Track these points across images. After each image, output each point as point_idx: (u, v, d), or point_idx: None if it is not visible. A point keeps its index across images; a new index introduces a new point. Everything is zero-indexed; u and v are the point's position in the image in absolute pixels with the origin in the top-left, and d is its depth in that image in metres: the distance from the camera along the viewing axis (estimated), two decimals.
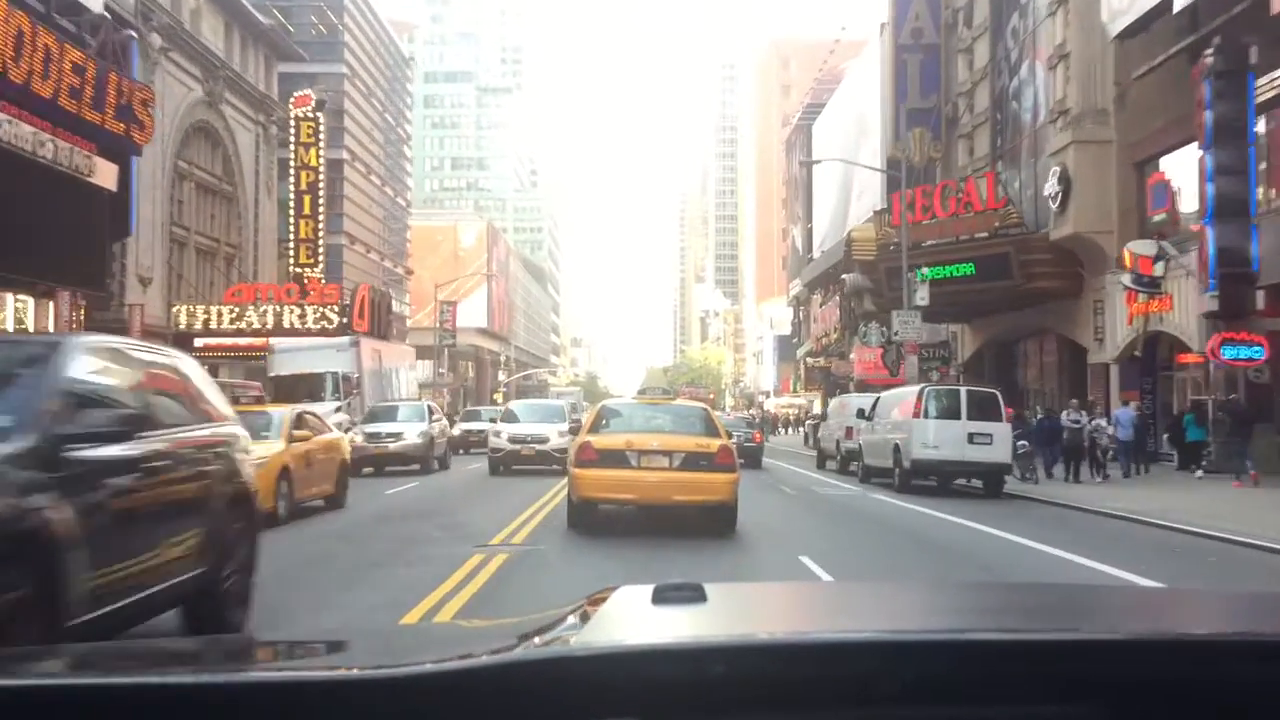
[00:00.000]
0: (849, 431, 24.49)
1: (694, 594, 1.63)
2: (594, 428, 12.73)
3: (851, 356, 56.71)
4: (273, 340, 28.47)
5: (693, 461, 11.67)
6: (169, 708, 1.28)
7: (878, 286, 35.10)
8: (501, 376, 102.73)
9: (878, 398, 22.32)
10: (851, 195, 54.29)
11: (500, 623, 1.91)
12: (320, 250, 45.36)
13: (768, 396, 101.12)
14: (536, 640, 1.51)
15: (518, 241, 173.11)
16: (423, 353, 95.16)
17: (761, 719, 1.28)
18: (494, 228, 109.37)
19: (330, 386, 24.93)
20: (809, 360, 66.44)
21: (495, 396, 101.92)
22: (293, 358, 26.17)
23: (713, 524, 11.87)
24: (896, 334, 29.46)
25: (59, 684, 1.43)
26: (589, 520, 12.00)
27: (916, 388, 19.22)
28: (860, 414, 22.04)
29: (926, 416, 18.40)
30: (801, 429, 73.35)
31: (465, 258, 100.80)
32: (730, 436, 13.61)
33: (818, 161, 33.79)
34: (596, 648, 1.46)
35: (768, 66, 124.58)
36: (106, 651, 1.89)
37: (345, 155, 56.83)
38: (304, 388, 24.91)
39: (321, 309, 35.00)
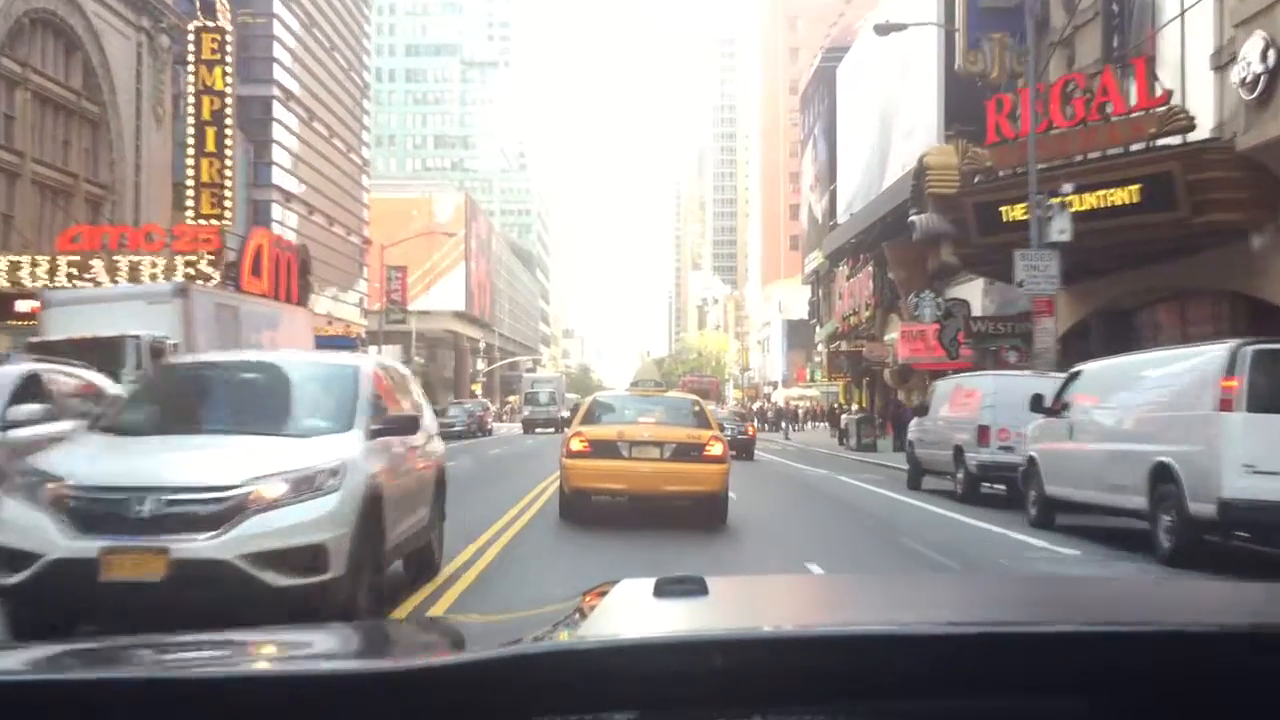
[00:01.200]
0: (984, 435, 14.72)
1: (695, 587, 1.61)
2: (586, 419, 12.70)
3: (889, 337, 47.03)
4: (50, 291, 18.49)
5: (683, 452, 11.58)
6: (168, 703, 1.25)
7: (962, 229, 25.41)
8: (481, 365, 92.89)
9: (1076, 373, 12.36)
10: (893, 138, 44.52)
11: (501, 617, 1.89)
12: (229, 198, 35.49)
13: (775, 388, 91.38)
14: (538, 633, 1.49)
15: (505, 225, 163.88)
16: (389, 338, 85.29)
17: (763, 712, 1.26)
18: (473, 201, 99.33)
19: (132, 358, 15.09)
20: (831, 344, 56.59)
21: (474, 388, 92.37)
22: (75, 314, 16.26)
23: (703, 515, 11.70)
24: (1020, 283, 19.74)
25: (56, 679, 1.38)
26: (582, 513, 11.78)
27: (1221, 349, 9.06)
28: (1037, 406, 12.21)
29: (1253, 408, 8.56)
30: (821, 423, 63.51)
31: (441, 233, 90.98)
32: (722, 429, 13.51)
33: (901, 27, 23.91)
34: (598, 641, 1.44)
35: (773, 29, 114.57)
36: (104, 648, 1.74)
37: (276, 93, 46.86)
38: (92, 359, 15.09)
39: (194, 259, 25.23)
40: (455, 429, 41.66)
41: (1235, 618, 1.70)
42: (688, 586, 1.61)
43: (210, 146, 35.49)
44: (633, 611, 1.64)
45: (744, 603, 1.89)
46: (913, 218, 26.40)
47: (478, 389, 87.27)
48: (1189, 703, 1.31)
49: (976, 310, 36.55)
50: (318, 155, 52.73)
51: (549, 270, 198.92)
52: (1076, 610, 1.84)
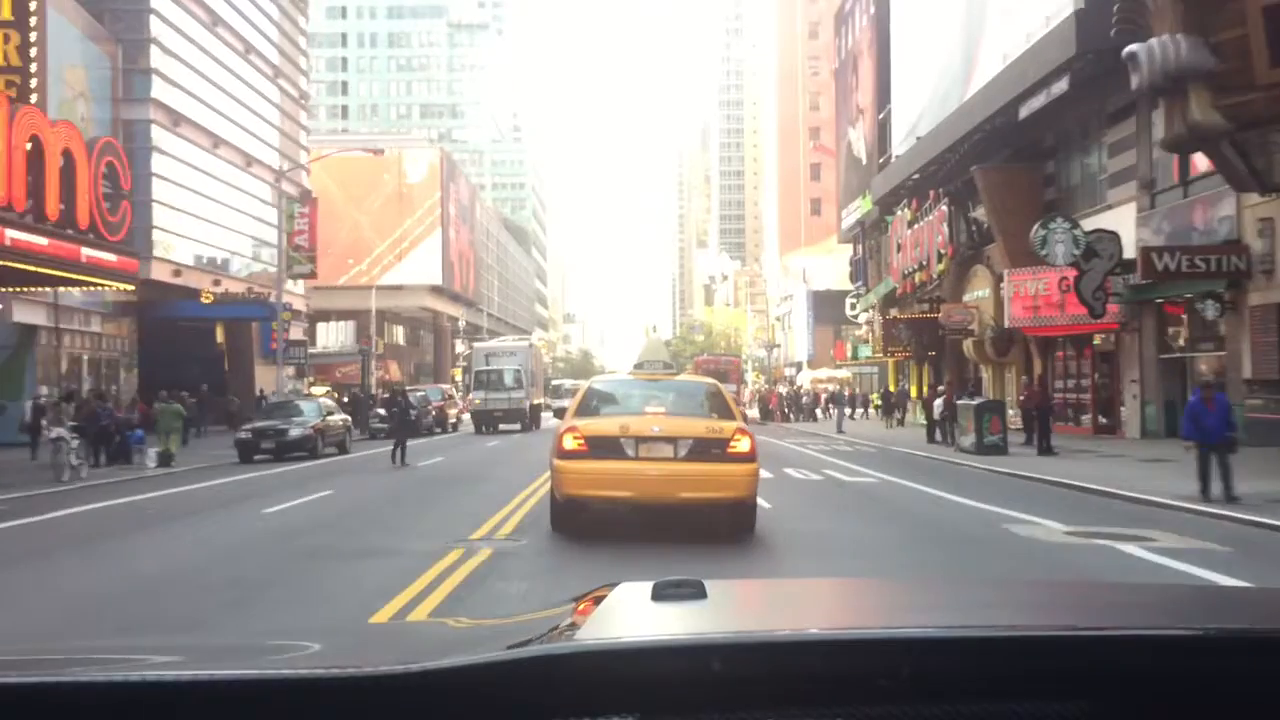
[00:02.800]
0: None
1: (694, 591, 1.61)
2: (581, 410, 10.46)
3: (975, 294, 35.43)
4: None
5: (703, 450, 9.53)
6: (166, 706, 1.26)
7: (1237, 59, 13.69)
8: (460, 347, 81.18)
9: None
10: (986, 20, 32.92)
11: (497, 621, 1.89)
12: (35, 88, 23.85)
13: (799, 369, 79.70)
14: (535, 637, 1.47)
15: (497, 200, 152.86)
16: (349, 315, 73.72)
17: (761, 716, 1.26)
18: (451, 159, 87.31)
19: None
20: (886, 311, 44.77)
21: (454, 373, 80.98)
22: None
23: (728, 527, 9.82)
24: None
25: (47, 682, 1.37)
26: (576, 524, 9.95)
27: None
28: None
29: None
30: (855, 410, 51.65)
31: (413, 196, 79.21)
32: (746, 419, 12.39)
33: None
34: (596, 644, 1.42)
35: None
36: (97, 650, 1.75)
37: None
38: None
39: None
40: None
41: (1236, 621, 1.70)
42: (686, 590, 1.60)
43: (5, 13, 23.86)
44: (631, 615, 1.62)
45: (743, 607, 1.86)
46: (1133, 48, 14.60)
47: (459, 374, 75.79)
48: (1191, 706, 1.31)
49: (1129, 249, 25.02)
50: (229, 74, 40.87)
51: (546, 249, 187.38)
52: (1077, 614, 1.82)
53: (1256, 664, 1.35)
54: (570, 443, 9.63)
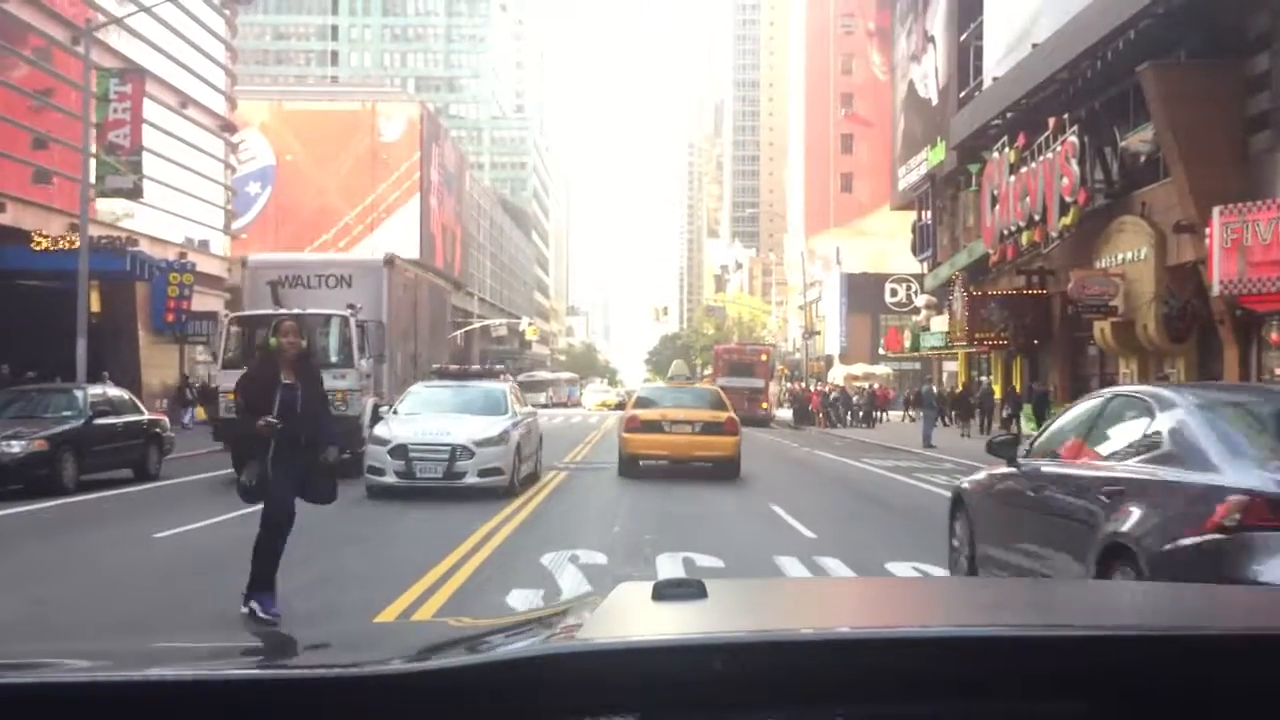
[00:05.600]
0: None
1: (694, 590, 1.61)
2: (636, 404, 18.76)
3: (1120, 257, 24.88)
4: None
5: (708, 428, 17.15)
6: (168, 705, 1.25)
7: None
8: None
9: None
10: None
11: (498, 620, 1.90)
12: None
13: (829, 364, 68.98)
14: (536, 637, 1.50)
15: (497, 180, 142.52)
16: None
17: (761, 715, 1.28)
18: (433, 116, 76.64)
19: None
20: (971, 285, 34.02)
21: (433, 365, 70.84)
22: None
23: (721, 472, 16.80)
24: None
25: (46, 682, 1.36)
26: (634, 470, 17.06)
27: None
28: None
29: None
30: (902, 413, 40.80)
31: (388, 157, 68.75)
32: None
33: None
34: (596, 644, 1.42)
35: None
36: (91, 651, 1.72)
37: None
38: None
39: None
40: None
41: (1235, 620, 1.69)
42: (686, 590, 1.60)
43: None
44: (632, 615, 1.62)
45: (743, 606, 1.86)
46: None
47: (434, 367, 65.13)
48: (1189, 706, 1.30)
49: None
50: None
51: (548, 235, 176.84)
52: (1075, 614, 1.80)
53: (1255, 664, 1.33)
54: (631, 424, 17.37)
